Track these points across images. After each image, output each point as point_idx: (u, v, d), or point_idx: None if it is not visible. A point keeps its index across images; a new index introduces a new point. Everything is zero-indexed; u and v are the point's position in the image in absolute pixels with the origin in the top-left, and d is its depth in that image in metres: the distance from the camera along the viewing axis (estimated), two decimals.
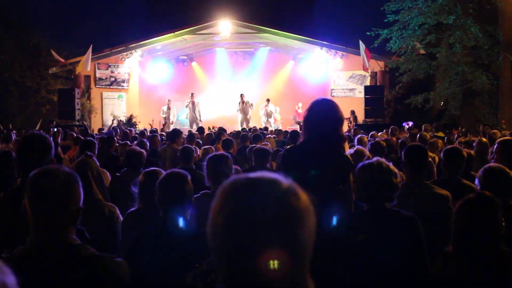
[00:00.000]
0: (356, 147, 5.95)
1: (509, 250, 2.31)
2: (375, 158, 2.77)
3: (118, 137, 10.77)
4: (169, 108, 18.20)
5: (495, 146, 4.21)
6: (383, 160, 2.73)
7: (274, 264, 0.95)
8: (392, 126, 10.64)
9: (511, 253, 2.30)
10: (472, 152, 5.10)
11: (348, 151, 5.45)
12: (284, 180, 1.03)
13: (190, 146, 5.37)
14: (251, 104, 18.00)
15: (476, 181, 3.22)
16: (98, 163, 3.78)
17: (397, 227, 2.60)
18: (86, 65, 17.13)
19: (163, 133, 12.14)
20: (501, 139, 4.41)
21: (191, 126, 17.42)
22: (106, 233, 3.22)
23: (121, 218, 3.35)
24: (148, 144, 7.30)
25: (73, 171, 1.79)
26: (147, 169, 3.38)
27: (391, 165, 2.69)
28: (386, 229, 2.59)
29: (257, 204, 0.97)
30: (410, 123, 14.70)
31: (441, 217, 3.26)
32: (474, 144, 5.93)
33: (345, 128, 15.03)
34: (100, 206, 3.29)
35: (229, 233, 0.98)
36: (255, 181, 1.02)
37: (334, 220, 2.73)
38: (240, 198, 0.99)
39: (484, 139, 6.00)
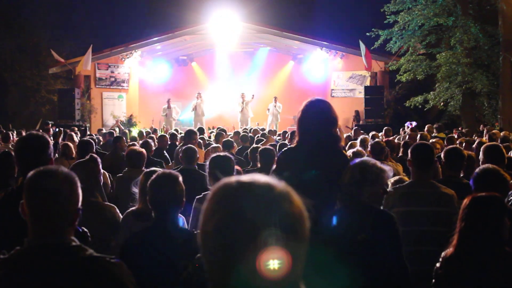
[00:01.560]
0: (356, 148, 5.95)
1: None
2: (361, 158, 2.80)
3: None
4: (169, 107, 18.16)
5: (480, 154, 4.21)
6: (368, 159, 2.76)
7: (265, 270, 0.94)
8: (385, 128, 10.68)
9: None
10: (473, 153, 5.10)
11: (349, 151, 5.45)
12: (277, 184, 1.01)
13: (192, 146, 5.35)
14: (248, 100, 17.89)
15: (471, 182, 3.23)
16: (100, 165, 3.78)
17: (372, 224, 2.61)
18: (86, 64, 17.11)
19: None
20: (485, 145, 4.40)
21: (195, 126, 17.37)
22: (109, 234, 3.22)
23: (121, 218, 3.35)
24: (152, 144, 7.30)
25: (72, 172, 1.79)
26: (147, 169, 3.38)
27: (378, 163, 2.70)
28: (362, 226, 2.60)
29: (249, 209, 0.96)
30: (414, 123, 14.71)
31: (446, 216, 3.26)
32: (474, 146, 5.93)
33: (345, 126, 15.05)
34: (100, 208, 3.29)
35: (219, 238, 0.97)
36: (247, 185, 1.00)
37: (333, 221, 2.74)
38: (231, 203, 0.98)
39: (484, 140, 6.00)
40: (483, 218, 2.32)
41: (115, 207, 3.39)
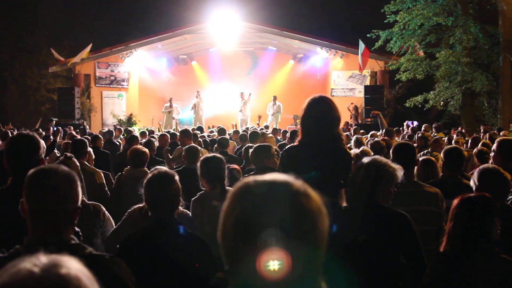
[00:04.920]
0: (362, 147, 5.94)
1: (501, 251, 2.31)
2: (372, 156, 2.78)
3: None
4: (171, 106, 18.23)
5: (494, 146, 4.23)
6: (380, 157, 2.73)
7: (286, 265, 0.95)
8: (388, 128, 10.68)
9: (505, 255, 2.30)
10: (465, 152, 5.13)
11: (353, 150, 5.44)
12: (295, 182, 1.03)
13: (195, 145, 5.36)
14: (248, 98, 17.95)
15: (471, 182, 3.23)
16: (78, 164, 3.76)
17: (388, 225, 2.60)
18: (77, 58, 17.11)
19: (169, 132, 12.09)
20: (500, 138, 4.44)
21: (195, 124, 17.38)
22: (91, 232, 3.17)
23: (107, 215, 3.31)
24: (156, 143, 7.32)
25: (71, 171, 1.79)
26: (153, 169, 3.37)
27: (389, 162, 2.68)
28: (377, 226, 2.59)
29: (268, 205, 0.98)
30: (415, 123, 14.72)
31: (430, 215, 3.27)
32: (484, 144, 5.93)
33: (345, 121, 15.04)
34: (84, 207, 3.25)
35: (240, 233, 0.98)
36: (266, 183, 1.02)
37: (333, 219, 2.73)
38: (251, 200, 1.00)
39: (486, 141, 6.00)
40: (471, 219, 2.32)
41: (100, 205, 3.34)
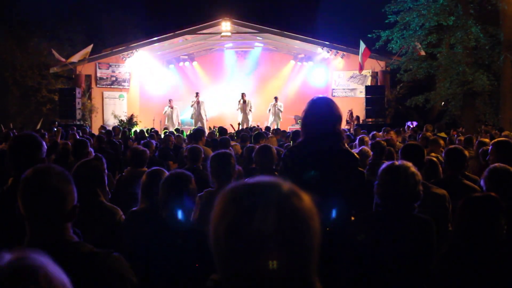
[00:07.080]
0: (362, 147, 5.93)
1: (507, 251, 2.31)
2: (399, 161, 2.73)
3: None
4: (171, 107, 18.27)
5: (490, 148, 4.23)
6: (409, 164, 2.68)
7: (280, 267, 0.95)
8: (384, 128, 10.71)
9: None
10: (467, 152, 5.12)
11: (353, 150, 5.44)
12: (284, 183, 1.03)
13: (198, 146, 5.37)
14: (250, 107, 17.96)
15: (482, 182, 3.22)
16: (105, 165, 3.76)
17: (413, 231, 2.57)
18: (75, 57, 17.14)
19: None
20: (495, 140, 4.43)
21: (195, 125, 17.37)
22: (107, 235, 3.19)
23: (123, 218, 3.32)
24: (154, 143, 7.33)
25: (64, 170, 1.78)
26: (150, 169, 3.37)
27: (416, 169, 2.65)
28: (401, 232, 2.57)
29: (260, 208, 0.97)
30: (415, 123, 14.72)
31: (437, 216, 3.26)
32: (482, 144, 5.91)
33: (344, 127, 15.01)
34: (103, 208, 3.26)
35: (232, 238, 0.98)
36: (256, 185, 1.02)
37: (335, 219, 2.72)
38: (242, 204, 0.99)
39: (486, 140, 6.00)
40: (477, 218, 2.31)
41: (118, 209, 3.36)
